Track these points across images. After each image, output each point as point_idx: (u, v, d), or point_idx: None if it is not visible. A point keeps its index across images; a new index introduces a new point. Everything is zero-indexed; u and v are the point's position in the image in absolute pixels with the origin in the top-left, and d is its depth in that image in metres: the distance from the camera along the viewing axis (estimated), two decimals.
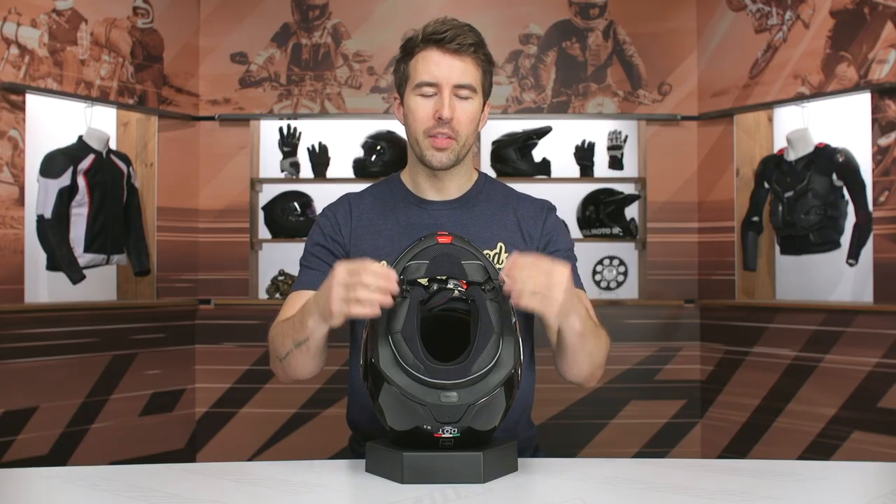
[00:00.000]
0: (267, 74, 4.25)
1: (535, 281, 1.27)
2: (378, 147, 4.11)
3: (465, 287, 1.32)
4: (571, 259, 1.68)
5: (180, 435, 4.11)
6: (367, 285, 1.25)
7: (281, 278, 4.22)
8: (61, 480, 1.35)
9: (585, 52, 4.27)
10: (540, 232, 1.67)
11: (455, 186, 1.68)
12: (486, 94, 1.64)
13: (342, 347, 1.69)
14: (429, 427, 1.25)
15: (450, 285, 1.32)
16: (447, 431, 1.25)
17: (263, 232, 4.28)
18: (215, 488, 1.29)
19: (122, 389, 3.87)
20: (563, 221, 1.74)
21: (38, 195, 3.55)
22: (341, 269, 1.30)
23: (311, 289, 1.55)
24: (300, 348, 1.46)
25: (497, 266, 1.61)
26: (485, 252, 1.62)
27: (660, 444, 4.17)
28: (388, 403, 1.27)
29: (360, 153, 4.15)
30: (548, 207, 1.72)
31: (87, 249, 3.66)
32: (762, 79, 3.96)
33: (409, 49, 1.60)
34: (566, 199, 4.05)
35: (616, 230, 4.17)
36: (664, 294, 4.22)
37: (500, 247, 1.64)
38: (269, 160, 4.30)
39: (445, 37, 1.55)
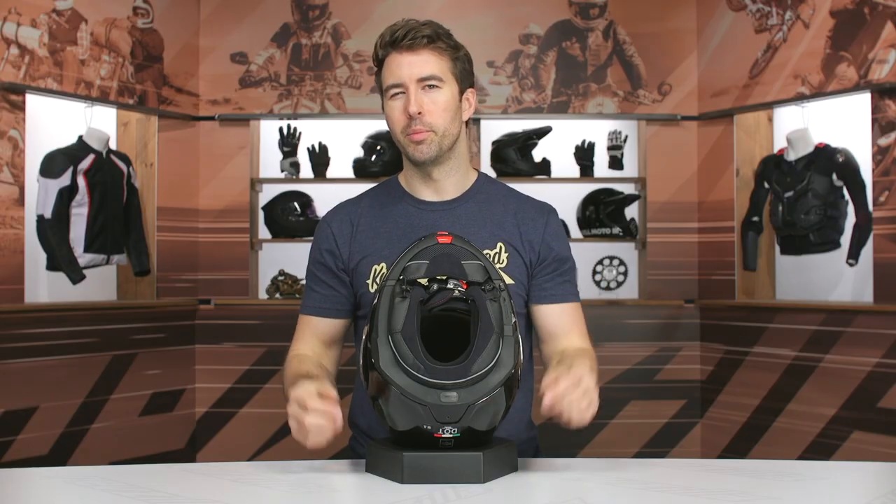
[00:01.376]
0: (267, 74, 4.25)
1: (578, 404, 1.37)
2: (378, 147, 4.11)
3: (465, 287, 1.32)
4: (573, 269, 1.72)
5: (180, 435, 4.11)
6: (312, 412, 1.38)
7: (281, 278, 4.22)
8: (61, 480, 1.35)
9: (585, 52, 4.27)
10: (541, 237, 1.65)
11: (451, 186, 1.67)
12: (463, 80, 1.64)
13: (346, 347, 1.69)
14: (429, 427, 1.25)
15: (450, 285, 1.32)
16: (447, 431, 1.25)
17: (263, 232, 4.28)
18: (215, 488, 1.29)
19: (122, 389, 3.87)
20: (563, 222, 1.75)
21: (38, 195, 3.54)
22: (290, 404, 1.41)
23: (314, 314, 1.66)
24: None
25: (496, 265, 1.62)
26: (485, 252, 1.62)
27: (660, 444, 4.17)
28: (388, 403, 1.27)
29: (360, 153, 4.15)
30: (548, 210, 1.71)
31: (87, 249, 3.66)
32: (762, 79, 3.96)
33: (378, 61, 1.64)
34: (566, 199, 4.05)
35: (616, 230, 4.17)
36: (664, 294, 4.21)
37: (500, 246, 1.64)
38: (269, 160, 4.30)
39: (397, 37, 1.58)
